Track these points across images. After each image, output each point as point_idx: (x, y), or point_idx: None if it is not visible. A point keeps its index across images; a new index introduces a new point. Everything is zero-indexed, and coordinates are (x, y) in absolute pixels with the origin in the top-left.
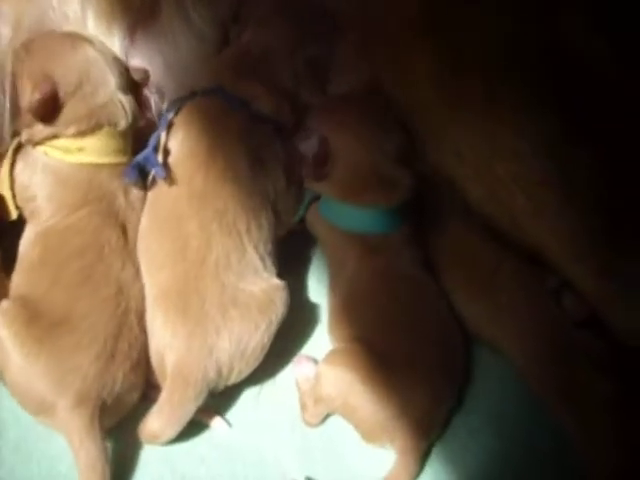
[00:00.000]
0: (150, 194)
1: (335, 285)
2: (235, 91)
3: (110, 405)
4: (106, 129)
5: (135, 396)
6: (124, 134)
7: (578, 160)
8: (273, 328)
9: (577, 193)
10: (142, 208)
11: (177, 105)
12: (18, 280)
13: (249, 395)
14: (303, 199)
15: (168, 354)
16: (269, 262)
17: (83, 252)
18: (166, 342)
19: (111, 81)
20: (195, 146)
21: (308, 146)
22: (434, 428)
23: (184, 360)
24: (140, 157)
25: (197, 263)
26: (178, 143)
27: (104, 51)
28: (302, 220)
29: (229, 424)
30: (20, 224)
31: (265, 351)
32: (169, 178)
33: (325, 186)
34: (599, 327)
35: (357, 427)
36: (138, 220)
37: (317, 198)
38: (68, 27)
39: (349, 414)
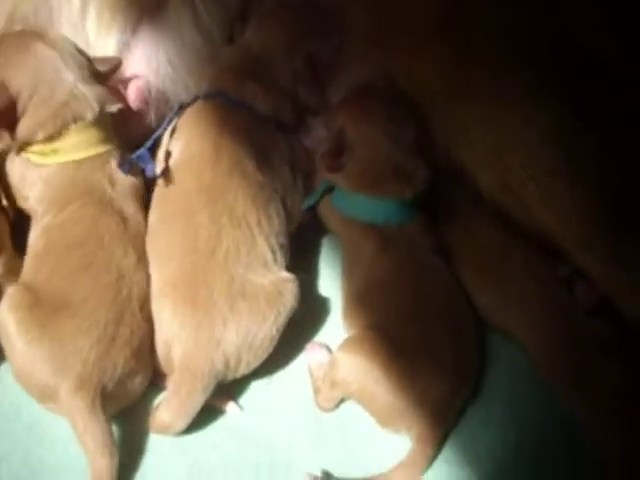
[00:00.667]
0: (157, 190)
1: (350, 274)
2: (236, 93)
3: (113, 390)
4: (74, 126)
5: (139, 383)
6: (98, 124)
7: (585, 148)
8: (281, 320)
9: (584, 181)
10: (136, 197)
11: (180, 108)
12: (25, 269)
13: (261, 382)
14: (310, 193)
15: (175, 346)
16: (280, 255)
17: (84, 241)
18: (174, 333)
19: (68, 77)
20: (201, 144)
21: (315, 139)
22: (450, 416)
23: (191, 352)
24: (134, 155)
25: (206, 254)
26: (183, 143)
27: (59, 45)
28: (312, 210)
29: (241, 408)
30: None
31: (274, 343)
32: (167, 177)
33: (340, 177)
34: (609, 314)
35: (373, 413)
36: (135, 210)
37: (330, 190)
38: (62, 20)
39: (365, 400)
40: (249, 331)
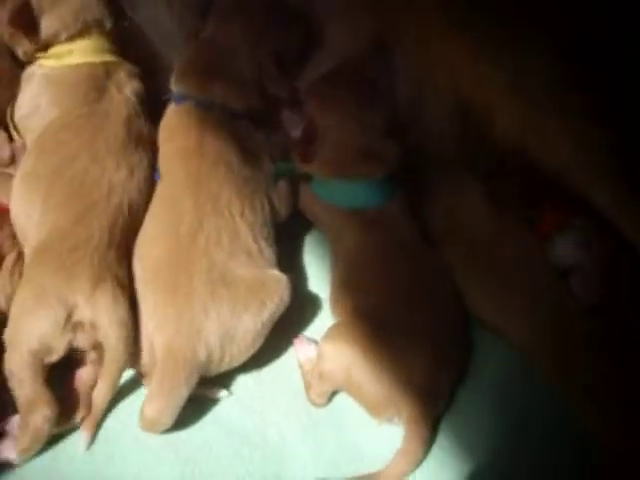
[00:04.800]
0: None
1: (335, 261)
2: (205, 95)
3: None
4: (93, 30)
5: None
6: (112, 37)
7: (601, 82)
8: (266, 314)
9: (601, 112)
10: (142, 110)
11: None
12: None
13: (252, 376)
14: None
15: (157, 336)
16: (265, 247)
17: (76, 155)
18: (155, 324)
19: None
20: (185, 140)
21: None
22: (439, 395)
23: (173, 341)
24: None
25: (188, 240)
26: (168, 142)
27: None
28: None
29: (231, 393)
30: None
31: (260, 339)
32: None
33: (313, 166)
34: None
35: (362, 402)
36: (139, 121)
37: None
38: None
39: (353, 390)
40: (231, 320)
